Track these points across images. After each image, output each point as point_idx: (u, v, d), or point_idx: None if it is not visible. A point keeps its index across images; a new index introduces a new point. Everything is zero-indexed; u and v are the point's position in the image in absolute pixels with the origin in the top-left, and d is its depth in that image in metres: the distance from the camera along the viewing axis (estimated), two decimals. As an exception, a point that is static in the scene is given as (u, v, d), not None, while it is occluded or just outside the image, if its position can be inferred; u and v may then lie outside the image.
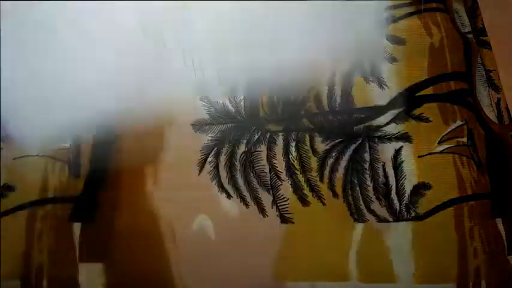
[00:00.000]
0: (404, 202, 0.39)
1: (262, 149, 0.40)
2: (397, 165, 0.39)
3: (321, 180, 0.40)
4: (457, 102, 0.42)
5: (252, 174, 0.40)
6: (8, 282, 0.39)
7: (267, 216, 0.39)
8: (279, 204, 0.39)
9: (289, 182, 0.40)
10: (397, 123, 0.40)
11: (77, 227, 0.39)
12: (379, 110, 0.41)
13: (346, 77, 0.42)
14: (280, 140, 0.40)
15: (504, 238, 0.39)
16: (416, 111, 0.41)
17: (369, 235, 0.38)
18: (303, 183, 0.40)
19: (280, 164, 0.40)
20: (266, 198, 0.39)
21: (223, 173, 0.40)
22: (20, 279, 0.39)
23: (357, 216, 0.39)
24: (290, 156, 0.40)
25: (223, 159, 0.40)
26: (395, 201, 0.39)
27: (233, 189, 0.40)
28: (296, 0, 0.41)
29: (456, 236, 0.37)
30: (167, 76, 0.41)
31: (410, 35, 0.43)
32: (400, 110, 0.40)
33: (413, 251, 0.37)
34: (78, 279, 0.38)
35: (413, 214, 0.37)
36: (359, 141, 0.40)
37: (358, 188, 0.39)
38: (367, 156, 0.40)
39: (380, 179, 0.39)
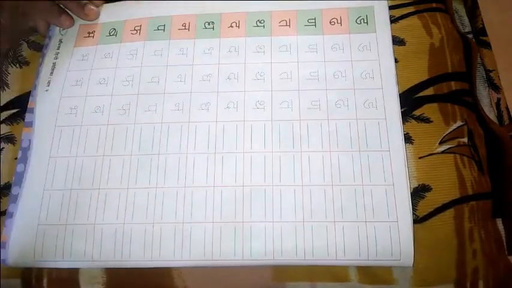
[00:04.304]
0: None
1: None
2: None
3: None
4: (458, 102, 0.40)
5: None
6: (9, 281, 0.38)
7: None
8: None
9: None
10: (397, 124, 0.39)
11: None
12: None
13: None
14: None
15: (504, 238, 0.37)
16: (417, 112, 0.39)
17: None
18: None
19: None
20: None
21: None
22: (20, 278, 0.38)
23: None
24: None
25: None
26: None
27: None
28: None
29: (455, 238, 0.35)
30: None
31: (410, 35, 0.42)
32: (401, 110, 0.39)
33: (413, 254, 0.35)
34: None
35: (413, 217, 0.35)
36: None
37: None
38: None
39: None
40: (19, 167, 0.40)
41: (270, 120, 0.39)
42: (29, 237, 0.38)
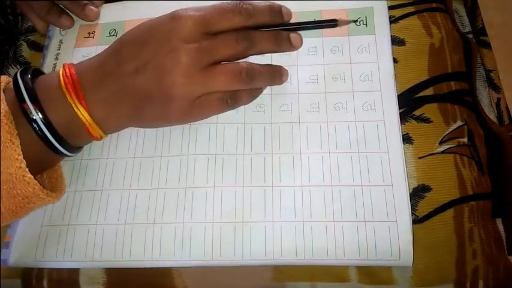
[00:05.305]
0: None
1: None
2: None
3: None
4: (457, 102, 0.40)
5: None
6: (9, 281, 0.38)
7: None
8: None
9: None
10: (397, 125, 0.39)
11: None
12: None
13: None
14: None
15: (504, 238, 0.37)
16: (417, 112, 0.39)
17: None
18: None
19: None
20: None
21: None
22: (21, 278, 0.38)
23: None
24: None
25: None
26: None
27: None
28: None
29: (455, 238, 0.35)
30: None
31: (410, 35, 0.42)
32: (401, 111, 0.39)
33: (413, 254, 0.35)
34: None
35: (412, 217, 0.35)
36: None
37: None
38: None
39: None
40: None
41: (270, 123, 0.39)
42: (32, 237, 0.38)
